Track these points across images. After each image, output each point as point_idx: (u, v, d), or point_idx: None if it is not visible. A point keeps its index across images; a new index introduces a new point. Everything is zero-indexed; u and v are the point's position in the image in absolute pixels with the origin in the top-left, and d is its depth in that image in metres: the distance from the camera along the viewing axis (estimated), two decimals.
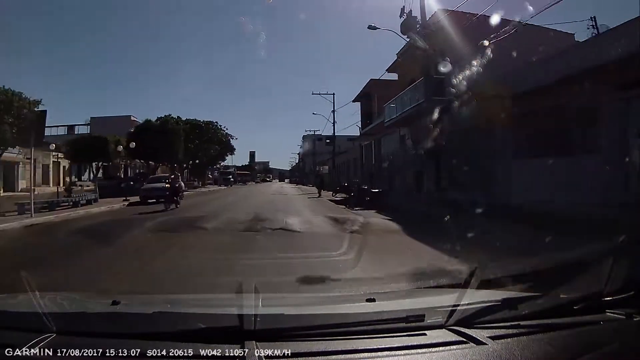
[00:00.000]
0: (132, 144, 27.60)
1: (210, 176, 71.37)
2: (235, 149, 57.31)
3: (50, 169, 37.62)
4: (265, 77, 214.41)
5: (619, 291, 1.92)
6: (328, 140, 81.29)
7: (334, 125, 43.80)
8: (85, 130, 53.44)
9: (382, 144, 29.06)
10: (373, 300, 2.21)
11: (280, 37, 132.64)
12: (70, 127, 53.28)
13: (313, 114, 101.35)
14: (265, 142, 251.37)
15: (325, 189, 29.48)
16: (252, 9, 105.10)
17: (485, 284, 2.67)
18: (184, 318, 1.82)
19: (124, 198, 22.84)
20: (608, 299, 1.90)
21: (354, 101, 35.95)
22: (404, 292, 3.86)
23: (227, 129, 51.66)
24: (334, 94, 42.98)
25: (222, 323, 1.70)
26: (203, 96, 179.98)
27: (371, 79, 31.34)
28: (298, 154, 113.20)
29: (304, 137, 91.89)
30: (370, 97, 31.90)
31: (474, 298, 2.01)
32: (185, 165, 49.04)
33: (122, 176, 43.20)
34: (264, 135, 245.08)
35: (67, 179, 39.74)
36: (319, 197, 26.91)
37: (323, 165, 78.65)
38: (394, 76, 26.78)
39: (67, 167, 37.65)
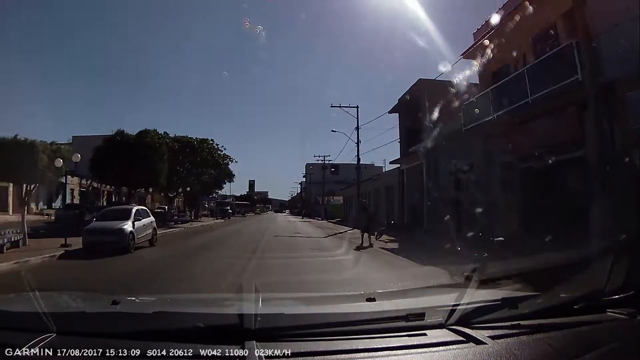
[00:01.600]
0: (77, 156, 18.90)
1: (207, 206, 67.77)
2: (234, 175, 48.63)
3: (10, 193, 32.17)
4: (263, 103, 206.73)
5: (619, 291, 1.97)
6: (333, 169, 75.26)
7: (357, 145, 36.79)
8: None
9: (440, 166, 20.49)
10: (373, 299, 2.30)
11: (283, 50, 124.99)
12: None
13: (332, 131, 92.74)
14: (264, 172, 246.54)
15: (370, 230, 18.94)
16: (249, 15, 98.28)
17: (485, 284, 2.67)
18: (184, 318, 1.91)
19: (63, 242, 16.42)
20: (608, 298, 1.97)
21: (390, 112, 29.14)
22: (404, 291, 3.84)
23: (224, 149, 43.11)
24: (357, 106, 35.16)
25: (222, 323, 1.79)
26: (197, 122, 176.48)
27: (420, 79, 25.69)
28: (300, 183, 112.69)
29: (307, 164, 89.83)
30: (418, 104, 25.67)
31: (474, 298, 2.09)
32: (175, 193, 39.95)
33: (97, 204, 34.00)
34: (262, 165, 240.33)
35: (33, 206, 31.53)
36: (363, 244, 17.41)
37: (333, 196, 70.40)
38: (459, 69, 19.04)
39: (31, 189, 29.38)
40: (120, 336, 1.68)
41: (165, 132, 36.92)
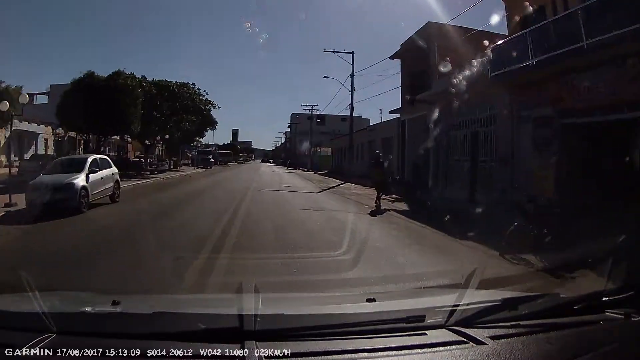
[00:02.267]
0: (25, 97, 16.22)
1: (189, 155, 66.10)
2: (217, 123, 45.63)
3: None
4: (248, 48, 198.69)
5: (619, 291, 1.96)
6: (319, 120, 73.49)
7: (352, 93, 33.54)
8: (44, 100, 46.86)
9: (452, 118, 18.59)
10: (373, 300, 2.29)
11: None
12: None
13: (324, 77, 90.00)
14: (248, 121, 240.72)
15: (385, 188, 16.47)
16: None
17: (485, 284, 2.61)
18: (184, 318, 1.92)
19: (7, 201, 13.86)
20: (607, 299, 1.96)
21: (392, 57, 25.77)
22: (404, 292, 3.79)
23: (207, 94, 39.65)
24: (352, 52, 32.04)
25: (222, 323, 1.78)
26: (180, 68, 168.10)
27: (429, 22, 23.28)
28: (284, 133, 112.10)
29: (293, 114, 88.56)
30: (425, 50, 23.22)
31: (474, 298, 2.08)
32: (153, 141, 37.58)
33: (72, 154, 31.59)
34: (246, 115, 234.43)
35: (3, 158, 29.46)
36: (377, 207, 14.24)
37: (320, 147, 68.11)
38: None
39: (1, 141, 26.36)
40: (120, 336, 1.68)
41: (142, 76, 34.51)
